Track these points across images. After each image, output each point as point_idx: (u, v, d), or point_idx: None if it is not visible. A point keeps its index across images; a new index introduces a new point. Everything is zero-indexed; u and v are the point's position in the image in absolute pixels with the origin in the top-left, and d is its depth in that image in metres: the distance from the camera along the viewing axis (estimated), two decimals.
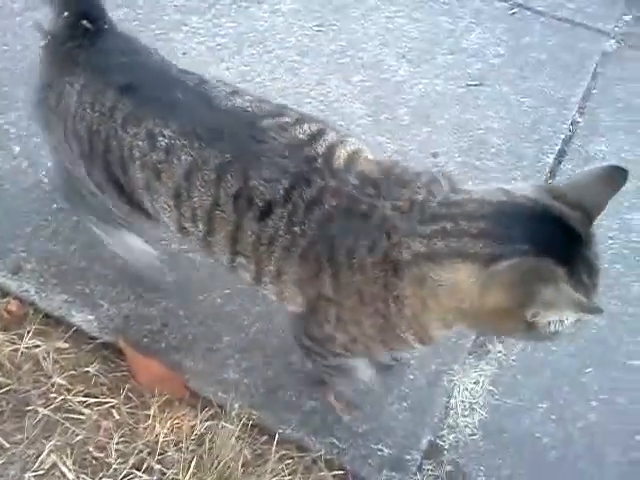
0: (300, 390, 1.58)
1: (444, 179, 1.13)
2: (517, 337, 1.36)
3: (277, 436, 1.49)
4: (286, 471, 1.44)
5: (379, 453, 1.53)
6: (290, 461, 1.47)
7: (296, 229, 1.13)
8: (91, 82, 1.28)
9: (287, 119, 1.20)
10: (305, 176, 1.13)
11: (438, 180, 1.13)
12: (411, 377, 1.63)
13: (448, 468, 1.53)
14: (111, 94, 1.25)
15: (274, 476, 1.42)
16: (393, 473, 1.51)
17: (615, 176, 1.06)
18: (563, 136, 2.11)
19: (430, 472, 1.52)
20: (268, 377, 1.60)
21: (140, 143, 1.23)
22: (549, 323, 1.02)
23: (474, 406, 1.62)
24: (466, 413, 1.60)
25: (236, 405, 1.52)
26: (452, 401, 1.62)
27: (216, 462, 1.40)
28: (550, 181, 2.02)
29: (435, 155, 2.04)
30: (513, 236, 1.00)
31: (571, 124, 2.14)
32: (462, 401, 1.62)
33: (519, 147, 2.07)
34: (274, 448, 1.46)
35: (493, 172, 2.00)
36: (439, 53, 2.30)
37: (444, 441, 1.56)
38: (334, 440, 1.53)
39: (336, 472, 1.49)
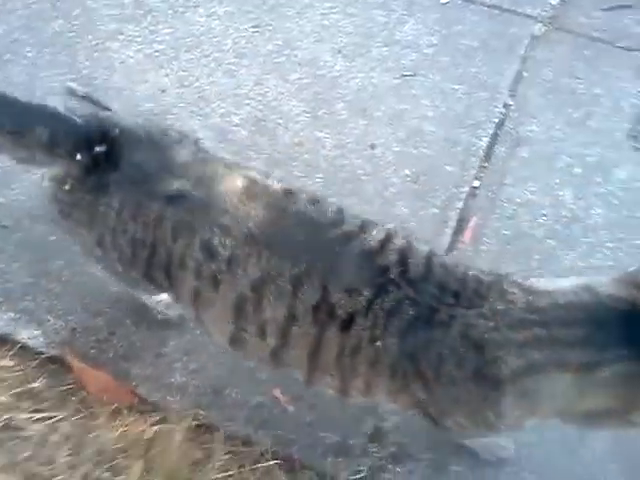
0: (246, 387, 1.63)
1: (512, 284, 1.13)
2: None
3: (223, 433, 1.54)
4: (234, 466, 1.50)
5: (325, 441, 1.59)
6: (237, 457, 1.52)
7: (378, 341, 1.12)
8: (130, 196, 1.22)
9: (350, 227, 1.19)
10: (384, 286, 1.12)
11: (507, 289, 1.12)
12: None
13: (392, 449, 1.59)
14: (156, 205, 1.20)
15: (222, 472, 1.47)
16: (339, 458, 1.57)
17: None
18: (496, 120, 2.17)
19: (375, 454, 1.58)
20: (215, 377, 1.65)
21: (195, 254, 1.18)
22: None
23: None
24: None
25: (184, 407, 1.57)
26: None
27: (165, 464, 1.44)
28: (485, 164, 2.09)
29: (373, 147, 2.10)
30: (610, 341, 1.01)
31: (503, 107, 2.20)
32: None
33: (454, 133, 2.14)
34: (221, 445, 1.51)
35: (428, 159, 2.06)
36: (374, 46, 2.35)
37: (387, 424, 1.62)
38: (280, 432, 1.59)
39: (283, 462, 1.54)
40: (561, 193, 2.04)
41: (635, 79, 2.33)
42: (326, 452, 1.57)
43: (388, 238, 1.17)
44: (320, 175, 2.03)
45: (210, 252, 1.16)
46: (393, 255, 1.14)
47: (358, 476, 1.55)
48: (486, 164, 2.08)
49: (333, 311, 1.11)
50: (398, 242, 1.17)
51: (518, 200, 2.02)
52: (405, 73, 2.26)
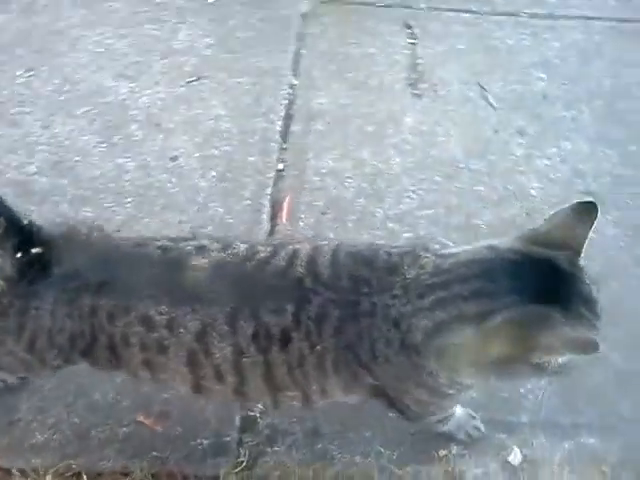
0: (109, 423, 1.66)
1: (427, 251, 1.21)
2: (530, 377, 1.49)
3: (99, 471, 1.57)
4: None
5: (200, 447, 1.65)
6: None
7: (317, 346, 1.19)
8: (62, 294, 1.26)
9: (262, 254, 1.25)
10: (303, 297, 1.19)
11: (421, 255, 1.20)
12: None
13: (266, 432, 1.68)
14: (88, 297, 1.24)
15: None
16: (217, 459, 1.63)
17: (587, 209, 1.15)
18: (285, 101, 2.30)
19: (250, 443, 1.66)
20: (75, 424, 1.66)
21: (135, 329, 1.24)
22: (555, 361, 1.10)
23: None
24: None
25: (53, 462, 1.57)
26: None
27: None
28: (285, 146, 2.21)
29: (174, 159, 2.16)
30: (503, 290, 1.08)
31: (290, 88, 2.33)
32: None
33: (249, 124, 2.24)
34: None
35: (229, 155, 2.15)
36: (154, 61, 2.40)
37: (254, 411, 1.71)
38: (155, 453, 1.63)
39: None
40: (360, 153, 2.21)
41: (401, 32, 2.54)
42: (204, 456, 1.62)
43: (295, 253, 1.25)
44: (129, 200, 2.06)
45: (149, 323, 1.23)
46: (302, 266, 1.22)
47: (239, 468, 1.62)
48: (286, 145, 2.20)
49: (269, 334, 1.20)
50: (305, 252, 1.25)
51: (323, 171, 2.16)
52: (190, 79, 2.34)
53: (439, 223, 2.05)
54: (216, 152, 2.17)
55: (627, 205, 2.15)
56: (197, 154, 2.15)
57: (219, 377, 1.27)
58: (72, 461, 1.59)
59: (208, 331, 1.22)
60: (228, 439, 1.66)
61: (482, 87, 2.36)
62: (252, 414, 1.70)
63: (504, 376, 1.31)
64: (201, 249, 1.27)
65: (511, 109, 2.33)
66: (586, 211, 1.14)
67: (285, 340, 1.20)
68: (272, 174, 2.13)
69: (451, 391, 1.29)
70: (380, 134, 2.24)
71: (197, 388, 1.32)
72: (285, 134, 2.21)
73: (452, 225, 2.05)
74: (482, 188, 2.15)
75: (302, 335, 1.19)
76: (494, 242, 1.17)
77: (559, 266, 1.09)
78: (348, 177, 2.14)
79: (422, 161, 2.20)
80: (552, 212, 1.22)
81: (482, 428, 1.62)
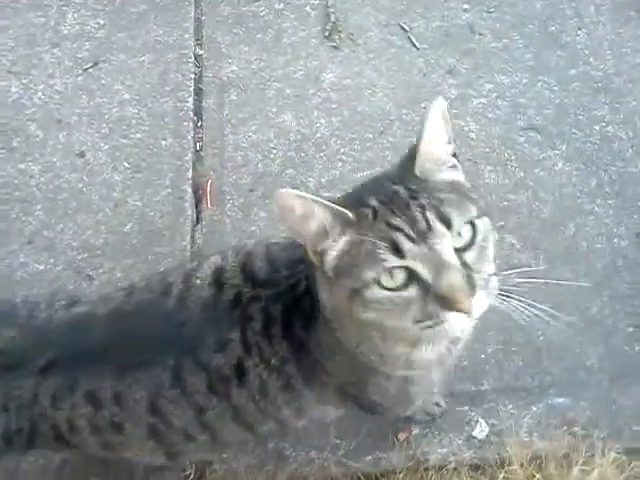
0: None
1: None
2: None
3: None
4: None
5: (140, 467, 1.54)
6: None
7: (272, 360, 1.09)
8: None
9: (177, 289, 1.14)
10: (243, 314, 1.09)
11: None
12: None
13: None
14: (28, 383, 1.13)
15: None
16: (163, 473, 1.54)
17: None
18: (193, 75, 2.14)
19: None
20: None
21: (82, 410, 1.12)
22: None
23: None
24: None
25: None
26: None
27: None
28: (199, 124, 2.06)
29: (81, 155, 2.00)
30: None
31: (195, 60, 2.17)
32: None
33: (157, 106, 2.08)
34: None
35: (141, 143, 2.01)
36: (43, 52, 2.21)
37: None
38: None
39: None
40: (281, 120, 2.07)
41: None
42: (146, 476, 1.52)
43: (219, 270, 1.13)
44: (39, 207, 1.92)
45: (96, 400, 1.12)
46: (236, 279, 1.11)
47: None
48: (200, 123, 2.06)
49: (223, 375, 1.09)
50: (233, 264, 1.14)
51: (244, 145, 2.02)
52: (86, 66, 2.16)
53: None
54: (126, 141, 2.01)
55: (575, 136, 2.06)
56: (106, 146, 2.00)
57: (189, 438, 1.18)
58: None
59: (159, 398, 1.12)
60: None
61: (403, 28, 2.22)
62: None
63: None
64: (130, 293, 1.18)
65: (438, 48, 2.20)
66: None
67: (241, 373, 1.10)
68: (190, 156, 1.99)
69: (401, 371, 1.13)
70: (301, 96, 2.10)
71: (171, 456, 1.25)
72: (198, 111, 2.07)
73: None
74: None
75: (256, 358, 1.09)
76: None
77: None
78: (272, 148, 2.01)
79: (350, 119, 2.07)
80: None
81: (443, 403, 1.53)
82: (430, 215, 0.86)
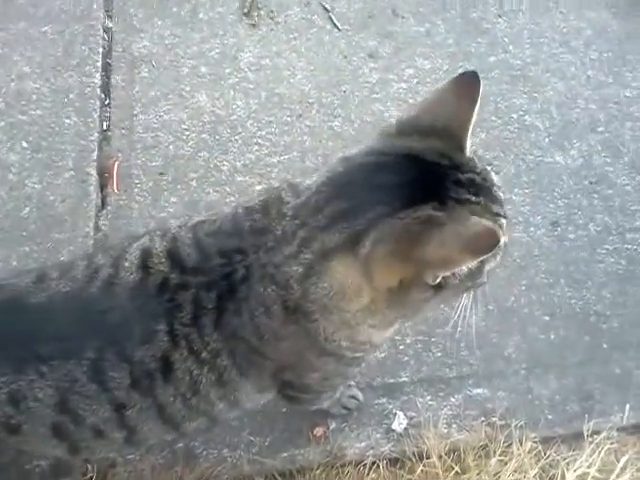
0: None
1: (286, 191, 1.00)
2: (439, 304, 1.24)
3: None
4: None
5: (37, 470, 1.43)
6: None
7: (202, 354, 0.99)
8: None
9: (105, 270, 1.03)
10: (171, 303, 0.98)
11: (283, 200, 0.99)
12: None
13: None
14: None
15: None
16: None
17: (468, 82, 0.91)
18: (101, 49, 2.01)
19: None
20: None
21: None
22: (456, 275, 0.89)
23: None
24: None
25: None
26: None
27: None
28: (107, 102, 1.94)
29: None
30: (365, 204, 0.87)
31: (104, 33, 2.04)
32: None
33: (61, 81, 1.94)
34: None
35: (42, 120, 1.86)
36: None
37: None
38: None
39: None
40: (196, 100, 1.97)
41: None
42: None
43: (146, 253, 1.03)
44: None
45: None
46: (163, 265, 1.01)
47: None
48: (108, 101, 1.93)
49: (148, 372, 1.00)
50: (160, 249, 1.03)
51: (155, 125, 1.92)
52: None
53: (293, 168, 1.88)
54: (25, 118, 1.87)
55: (494, 124, 2.07)
56: (1, 123, 1.85)
57: (101, 435, 1.06)
58: None
59: (70, 395, 1.00)
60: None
61: (325, 8, 2.15)
62: None
63: (409, 313, 1.06)
64: (40, 279, 1.04)
65: (360, 30, 2.15)
66: (468, 83, 0.92)
67: (167, 369, 1.00)
68: (96, 136, 1.86)
69: (357, 354, 1.10)
70: (217, 75, 2.01)
71: (75, 451, 1.12)
72: (106, 88, 1.95)
73: (309, 169, 1.88)
74: (337, 123, 1.99)
75: (185, 351, 1.00)
76: (349, 152, 0.96)
77: (429, 158, 0.89)
78: (185, 129, 1.91)
79: (267, 101, 2.00)
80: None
81: (360, 396, 1.49)
82: (500, 191, 0.92)
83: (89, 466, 1.43)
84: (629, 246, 1.91)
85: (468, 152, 0.92)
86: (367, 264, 0.88)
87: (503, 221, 0.91)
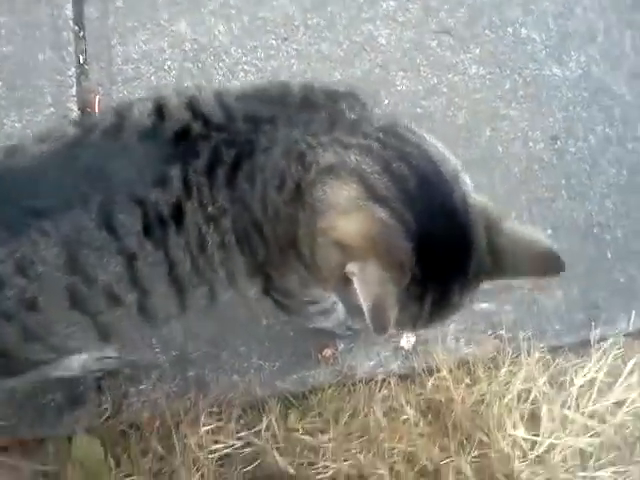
0: None
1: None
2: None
3: None
4: None
5: (52, 404, 1.50)
6: None
7: (209, 208, 0.99)
8: None
9: (107, 121, 1.01)
10: (188, 149, 0.98)
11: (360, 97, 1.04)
12: None
13: (126, 371, 1.55)
14: None
15: None
16: (76, 412, 1.50)
17: (548, 262, 0.97)
18: None
19: (110, 387, 1.53)
20: None
21: None
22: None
23: None
24: None
25: None
26: None
27: None
28: (81, 34, 1.93)
29: None
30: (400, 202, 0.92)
31: None
32: None
33: (30, 15, 1.91)
34: None
35: (14, 57, 1.86)
36: None
37: (104, 354, 1.56)
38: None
39: (23, 450, 1.46)
40: (175, 28, 1.96)
41: None
42: (59, 413, 1.49)
43: (160, 104, 1.03)
44: None
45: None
46: (182, 113, 1.01)
47: (104, 417, 1.50)
48: (83, 33, 1.92)
49: (161, 217, 0.98)
50: (175, 101, 1.04)
51: (135, 56, 1.91)
52: None
53: None
54: None
55: (488, 39, 2.07)
56: None
57: (116, 301, 1.04)
58: None
59: (79, 249, 0.97)
60: (83, 388, 1.53)
61: None
62: (103, 354, 1.55)
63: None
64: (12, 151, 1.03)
65: None
66: (548, 263, 0.97)
67: (180, 217, 0.99)
68: (73, 71, 1.86)
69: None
70: (195, 1, 1.99)
71: (101, 333, 1.10)
72: (79, 19, 1.93)
73: None
74: (325, 45, 1.99)
75: (195, 202, 1.00)
76: None
77: (471, 250, 0.96)
78: (166, 59, 1.91)
79: (250, 25, 1.99)
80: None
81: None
82: None
83: (103, 397, 1.48)
84: (630, 156, 1.95)
85: None
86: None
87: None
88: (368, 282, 0.89)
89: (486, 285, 0.94)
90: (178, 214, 0.99)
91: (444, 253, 0.92)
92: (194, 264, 1.04)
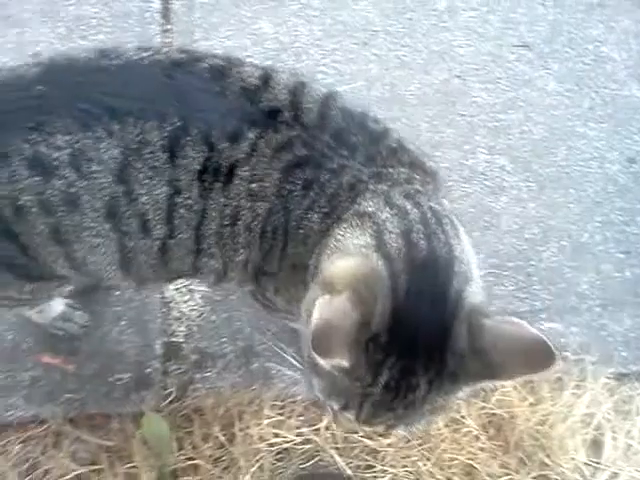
0: (10, 369, 1.58)
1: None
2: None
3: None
4: (34, 452, 1.49)
5: (119, 383, 1.59)
6: (33, 441, 1.50)
7: (254, 185, 1.03)
8: None
9: (214, 62, 1.06)
10: (270, 124, 1.02)
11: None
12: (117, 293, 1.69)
13: (194, 357, 1.64)
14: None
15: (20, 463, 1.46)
16: (142, 393, 1.59)
17: (539, 354, 0.86)
18: None
19: (177, 371, 1.63)
20: None
21: (27, 182, 0.99)
22: None
23: (192, 287, 1.72)
24: (186, 298, 1.71)
25: None
26: (168, 294, 1.71)
27: None
28: (168, 27, 2.04)
29: (36, 56, 1.95)
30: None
31: None
32: (177, 289, 1.71)
33: (120, 6, 2.05)
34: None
35: (103, 45, 1.97)
36: None
37: (177, 335, 1.65)
38: (69, 395, 1.57)
39: (89, 424, 1.54)
40: (258, 26, 2.07)
41: None
42: (126, 392, 1.58)
43: (267, 75, 1.07)
44: None
45: (44, 168, 0.99)
46: (283, 94, 1.05)
47: (168, 400, 1.58)
48: (169, 26, 2.04)
49: (218, 169, 1.02)
50: (284, 80, 1.08)
51: (217, 51, 1.99)
52: None
53: (360, 98, 1.97)
54: (86, 43, 1.98)
55: (567, 55, 2.13)
56: (63, 48, 1.96)
57: (145, 228, 1.06)
58: None
59: (133, 163, 1.00)
60: (150, 370, 1.62)
61: None
62: (175, 340, 1.65)
63: None
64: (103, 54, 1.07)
65: None
66: (539, 355, 0.87)
67: (230, 177, 1.03)
68: None
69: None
70: (278, 1, 2.10)
71: (124, 256, 1.11)
72: (166, 13, 2.05)
73: (375, 98, 1.98)
74: (404, 52, 2.07)
75: (249, 171, 1.03)
76: None
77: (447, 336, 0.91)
78: (248, 56, 1.97)
79: (331, 28, 2.08)
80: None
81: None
82: None
83: (169, 380, 1.59)
84: None
85: None
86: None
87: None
88: (329, 305, 0.86)
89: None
90: (230, 174, 1.03)
91: (419, 333, 0.89)
92: (219, 231, 1.08)
